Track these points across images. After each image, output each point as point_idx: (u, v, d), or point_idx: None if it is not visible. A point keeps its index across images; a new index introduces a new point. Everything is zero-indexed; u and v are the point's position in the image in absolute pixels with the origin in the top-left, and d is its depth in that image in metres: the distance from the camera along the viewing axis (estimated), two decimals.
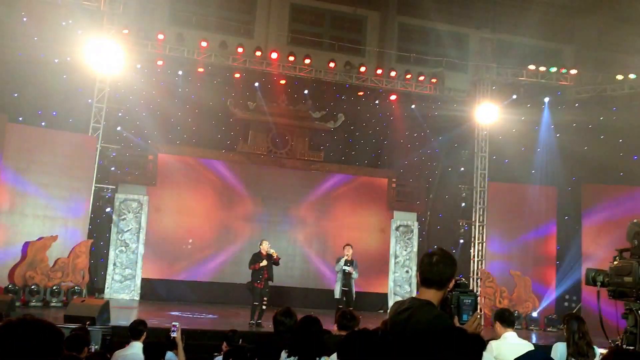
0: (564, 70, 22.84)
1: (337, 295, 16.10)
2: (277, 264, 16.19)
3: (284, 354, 6.01)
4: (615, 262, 4.69)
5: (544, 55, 24.16)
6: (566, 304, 21.53)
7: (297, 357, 5.86)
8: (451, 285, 4.14)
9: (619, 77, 22.13)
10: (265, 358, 6.63)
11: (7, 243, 18.28)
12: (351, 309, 9.96)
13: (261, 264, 15.92)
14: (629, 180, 21.96)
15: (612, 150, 22.01)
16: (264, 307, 15.74)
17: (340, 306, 15.58)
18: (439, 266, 4.08)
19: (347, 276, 16.02)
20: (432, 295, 4.07)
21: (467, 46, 24.95)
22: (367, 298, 20.91)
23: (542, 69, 22.73)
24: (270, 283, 16.18)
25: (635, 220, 4.63)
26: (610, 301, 4.87)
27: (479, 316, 4.05)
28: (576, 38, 24.46)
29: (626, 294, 4.59)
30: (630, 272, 4.51)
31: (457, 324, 3.90)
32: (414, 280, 22.97)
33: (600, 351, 7.21)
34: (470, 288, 5.22)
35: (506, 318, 7.66)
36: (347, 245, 16.45)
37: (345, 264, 16.03)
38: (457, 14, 24.16)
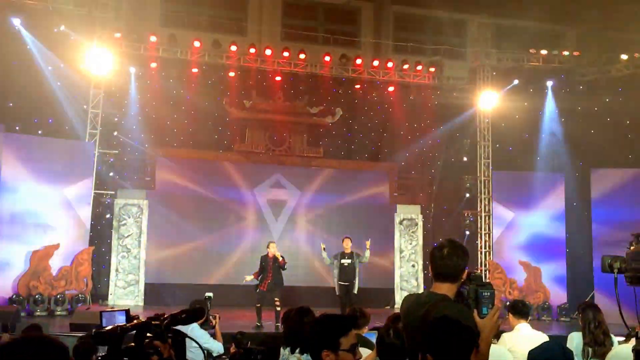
0: (566, 53, 22.56)
1: (337, 292, 16.06)
2: (283, 268, 16.07)
3: (282, 350, 6.01)
4: (632, 247, 4.46)
5: (545, 38, 23.78)
6: (578, 292, 21.25)
7: (289, 348, 5.88)
8: (464, 276, 3.96)
9: (624, 56, 21.84)
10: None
11: (9, 253, 18.13)
12: (355, 307, 9.82)
13: (247, 279, 16.36)
14: (638, 163, 21.69)
15: (619, 133, 21.75)
16: (277, 308, 15.59)
17: (344, 303, 15.54)
18: (452, 259, 3.94)
19: (346, 270, 15.95)
20: (447, 289, 3.94)
21: (465, 32, 24.66)
22: (373, 294, 20.72)
23: (544, 52, 22.44)
24: (278, 285, 16.06)
25: None
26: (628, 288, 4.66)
27: (498, 309, 3.86)
28: (578, 19, 24.12)
29: None
30: None
31: (477, 318, 3.70)
32: (421, 275, 22.80)
33: (617, 339, 7.04)
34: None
35: (519, 309, 7.55)
36: (346, 238, 16.41)
37: (343, 257, 15.98)
38: (454, 0, 23.82)
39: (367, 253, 16.31)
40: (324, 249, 16.57)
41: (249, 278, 16.29)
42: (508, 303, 8.03)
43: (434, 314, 3.66)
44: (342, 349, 3.81)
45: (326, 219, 22.92)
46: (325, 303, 17.04)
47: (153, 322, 3.58)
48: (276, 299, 15.83)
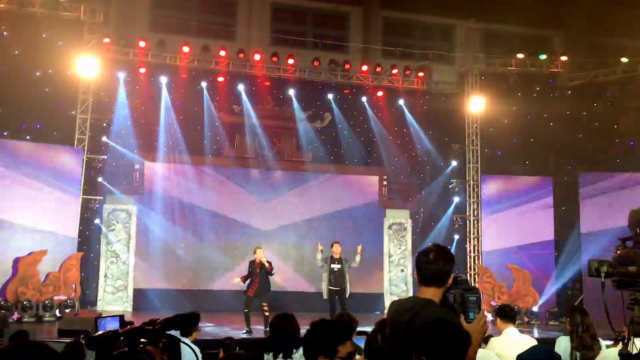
0: (554, 58, 22.64)
1: (325, 295, 16.04)
2: (270, 273, 16.03)
3: (265, 355, 6.02)
4: (619, 252, 4.48)
5: (533, 43, 23.92)
6: (568, 296, 21.32)
7: (272, 353, 5.90)
8: (450, 281, 3.93)
9: (611, 61, 21.92)
10: None
11: None
12: (346, 309, 9.87)
13: (235, 281, 16.43)
14: (626, 167, 21.79)
15: (607, 137, 21.84)
16: (266, 314, 15.53)
17: (334, 309, 15.53)
18: (437, 263, 3.89)
19: (337, 275, 15.96)
20: (433, 294, 3.89)
21: (453, 37, 24.80)
22: (362, 299, 20.71)
23: (532, 57, 22.52)
24: (266, 291, 15.99)
25: (636, 208, 4.44)
26: (616, 292, 4.68)
27: (485, 314, 3.86)
28: (565, 24, 24.23)
29: (631, 283, 4.39)
30: (634, 261, 4.31)
31: (464, 323, 3.69)
32: (410, 279, 22.77)
33: (605, 343, 7.06)
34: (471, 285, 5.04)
35: (506, 314, 7.54)
36: (335, 243, 16.42)
37: (333, 262, 16.00)
38: (442, 5, 23.67)
39: (358, 258, 16.34)
40: (321, 250, 16.49)
41: (237, 280, 16.28)
42: (498, 307, 8.03)
43: (420, 318, 3.66)
44: (339, 357, 3.81)
45: (315, 224, 22.86)
46: (314, 308, 17.01)
47: (146, 327, 3.58)
48: (264, 304, 15.77)
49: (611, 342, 6.91)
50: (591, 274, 4.45)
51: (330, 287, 16.00)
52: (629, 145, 22.14)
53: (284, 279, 21.24)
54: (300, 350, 5.68)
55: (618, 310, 4.38)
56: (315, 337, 3.95)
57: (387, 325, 4.15)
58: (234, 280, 16.47)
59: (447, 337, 3.32)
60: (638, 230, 4.37)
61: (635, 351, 4.23)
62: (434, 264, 3.90)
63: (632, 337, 4.34)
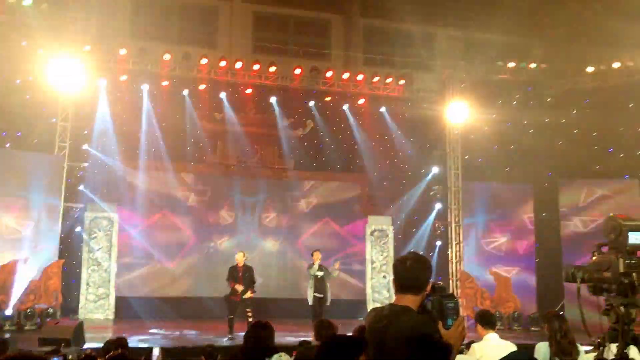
0: (533, 66, 22.75)
1: (310, 302, 16.09)
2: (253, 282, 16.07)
3: None
4: (594, 257, 4.52)
5: (513, 51, 24.01)
6: (548, 301, 21.39)
7: None
8: (429, 288, 3.96)
9: (590, 69, 22.07)
10: None
11: None
12: (322, 319, 9.90)
13: (236, 288, 15.85)
14: (605, 173, 21.94)
15: (586, 144, 21.98)
16: (250, 319, 15.50)
17: (316, 314, 15.60)
18: (414, 271, 3.93)
19: (320, 282, 16.06)
20: (410, 301, 3.91)
21: (434, 45, 24.83)
22: (345, 305, 20.73)
23: (512, 65, 22.64)
24: (250, 296, 15.96)
25: (611, 214, 4.48)
26: (593, 297, 4.72)
27: (463, 320, 3.89)
28: (545, 32, 24.34)
29: (606, 289, 4.43)
30: (609, 266, 4.34)
31: (442, 329, 3.72)
32: (392, 286, 22.73)
33: (584, 349, 7.09)
34: (451, 290, 5.05)
35: (487, 319, 7.56)
36: (316, 251, 16.51)
37: (318, 269, 16.10)
38: (423, 13, 23.69)
39: (336, 273, 16.49)
40: (315, 266, 16.48)
41: (241, 288, 15.92)
42: (477, 313, 8.04)
43: (396, 325, 3.69)
44: None
45: (297, 231, 22.92)
46: (297, 315, 17.06)
47: None
48: (248, 310, 15.76)
49: (590, 348, 6.94)
50: (567, 279, 4.49)
51: (315, 294, 16.09)
52: (608, 152, 22.29)
53: (267, 286, 21.24)
54: (273, 358, 5.75)
55: (596, 316, 4.43)
56: (326, 356, 3.95)
57: (366, 333, 4.16)
58: (239, 289, 16.02)
59: (432, 353, 3.34)
60: (613, 237, 4.41)
61: (611, 357, 4.26)
62: (410, 272, 3.93)
63: (607, 343, 4.38)
